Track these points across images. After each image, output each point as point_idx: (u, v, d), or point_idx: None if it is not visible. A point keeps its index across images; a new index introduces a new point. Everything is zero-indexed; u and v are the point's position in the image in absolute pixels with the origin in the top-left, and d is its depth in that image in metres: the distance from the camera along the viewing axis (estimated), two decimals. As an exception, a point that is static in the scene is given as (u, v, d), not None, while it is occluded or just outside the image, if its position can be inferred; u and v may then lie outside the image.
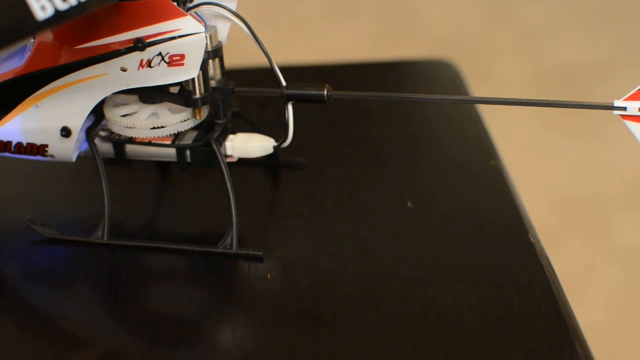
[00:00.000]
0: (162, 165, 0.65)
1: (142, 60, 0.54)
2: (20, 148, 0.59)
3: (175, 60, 0.54)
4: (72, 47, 0.55)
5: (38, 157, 0.59)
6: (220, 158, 0.57)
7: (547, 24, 1.71)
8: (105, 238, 0.58)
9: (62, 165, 0.61)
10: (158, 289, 0.56)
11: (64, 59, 0.55)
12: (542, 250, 0.56)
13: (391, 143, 0.69)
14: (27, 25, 0.45)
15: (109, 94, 0.56)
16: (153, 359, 0.51)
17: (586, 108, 0.54)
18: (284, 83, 0.56)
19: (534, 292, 0.53)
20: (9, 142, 0.59)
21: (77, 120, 0.57)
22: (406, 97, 0.59)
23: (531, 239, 0.57)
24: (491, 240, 0.57)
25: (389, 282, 0.55)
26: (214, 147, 0.57)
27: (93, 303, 0.55)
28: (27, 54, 0.56)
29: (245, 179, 0.62)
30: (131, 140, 0.59)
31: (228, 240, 0.56)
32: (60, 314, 0.54)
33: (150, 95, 0.58)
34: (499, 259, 0.56)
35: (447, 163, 0.66)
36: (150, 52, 0.54)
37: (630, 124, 0.54)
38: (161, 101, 0.58)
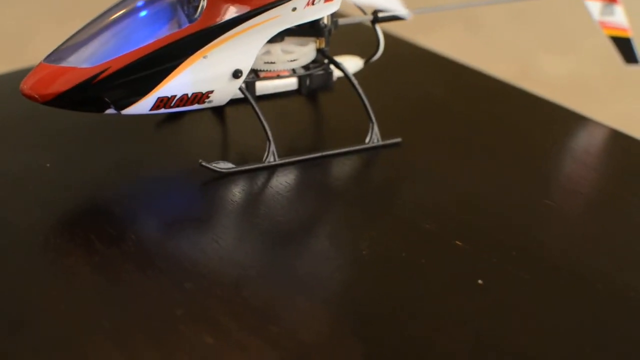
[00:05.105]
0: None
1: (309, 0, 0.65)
2: (182, 100, 0.65)
3: None
4: None
5: (194, 107, 0.66)
6: (346, 72, 0.70)
7: None
8: (277, 160, 0.68)
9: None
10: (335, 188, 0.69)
11: (242, 9, 0.64)
12: None
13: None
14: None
15: (275, 33, 0.66)
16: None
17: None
18: (366, 13, 0.71)
19: None
20: (172, 97, 0.64)
21: (249, 61, 0.65)
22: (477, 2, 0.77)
23: None
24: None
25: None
26: (341, 66, 0.70)
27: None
28: (199, 12, 0.63)
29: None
30: (257, 77, 0.69)
31: (373, 137, 0.70)
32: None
33: (294, 32, 0.69)
34: None
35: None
36: None
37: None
38: (282, 39, 0.69)
